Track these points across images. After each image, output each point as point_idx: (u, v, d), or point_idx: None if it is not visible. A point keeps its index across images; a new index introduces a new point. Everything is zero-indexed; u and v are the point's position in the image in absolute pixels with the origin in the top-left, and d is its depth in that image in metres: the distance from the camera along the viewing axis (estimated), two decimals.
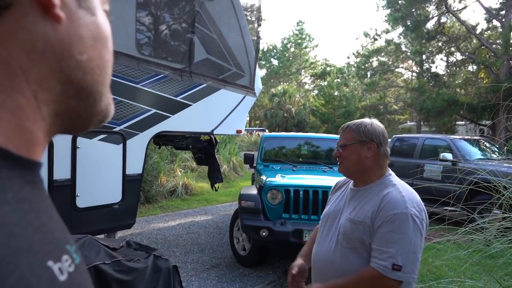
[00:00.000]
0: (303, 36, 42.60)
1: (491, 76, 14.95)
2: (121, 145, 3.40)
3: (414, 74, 23.89)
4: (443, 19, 17.24)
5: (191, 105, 4.09)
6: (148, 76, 3.61)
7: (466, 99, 14.32)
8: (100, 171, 3.31)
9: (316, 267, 1.62)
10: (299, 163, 5.41)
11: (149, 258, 2.24)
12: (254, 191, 4.45)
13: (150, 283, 2.16)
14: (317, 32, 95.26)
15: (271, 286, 4.03)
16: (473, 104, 13.49)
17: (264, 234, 3.93)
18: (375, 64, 22.47)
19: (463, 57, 17.61)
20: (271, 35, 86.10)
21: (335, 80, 26.81)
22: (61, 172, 2.98)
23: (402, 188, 1.48)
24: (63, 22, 0.34)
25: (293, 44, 42.91)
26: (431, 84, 17.91)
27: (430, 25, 17.29)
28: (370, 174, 1.54)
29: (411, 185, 1.60)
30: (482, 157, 7.09)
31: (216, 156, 5.68)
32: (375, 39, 21.79)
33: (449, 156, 6.77)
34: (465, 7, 16.37)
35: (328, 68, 34.87)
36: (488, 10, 15.26)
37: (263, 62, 42.83)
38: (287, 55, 42.76)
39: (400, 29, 19.06)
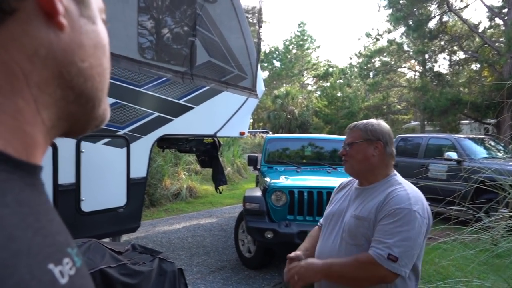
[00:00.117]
0: (305, 38, 42.62)
1: (495, 75, 14.87)
2: (125, 148, 3.40)
3: (417, 73, 23.82)
4: (445, 18, 17.18)
5: (194, 108, 4.10)
6: (150, 79, 3.62)
7: (470, 98, 14.24)
8: (104, 175, 3.32)
9: None
10: (303, 164, 5.40)
11: (155, 261, 2.24)
12: (258, 193, 4.45)
13: (156, 286, 2.16)
14: (319, 33, 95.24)
15: None
16: (477, 102, 13.41)
17: (269, 236, 3.92)
18: (377, 64, 22.42)
19: (466, 55, 17.53)
20: (273, 37, 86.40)
21: (337, 81, 26.76)
22: (66, 176, 2.99)
23: (407, 187, 1.49)
24: (65, 30, 0.35)
25: (295, 46, 42.92)
26: (434, 83, 17.83)
27: (432, 24, 17.23)
28: (375, 173, 1.56)
29: (416, 184, 1.60)
30: (487, 155, 7.04)
31: (220, 159, 5.68)
32: (377, 39, 21.76)
33: (454, 155, 6.73)
34: (467, 6, 16.29)
35: (330, 69, 34.84)
36: (490, 9, 15.19)
37: (265, 64, 42.87)
38: (289, 56, 42.76)
39: (402, 28, 19.02)
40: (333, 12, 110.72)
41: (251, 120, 29.07)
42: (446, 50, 18.62)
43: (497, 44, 15.00)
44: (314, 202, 4.02)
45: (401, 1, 17.17)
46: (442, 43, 18.01)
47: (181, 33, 4.18)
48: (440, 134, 10.59)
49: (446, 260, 3.31)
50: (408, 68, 24.34)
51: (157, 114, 3.69)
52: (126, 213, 3.44)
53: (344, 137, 1.73)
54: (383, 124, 1.60)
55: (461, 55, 18.53)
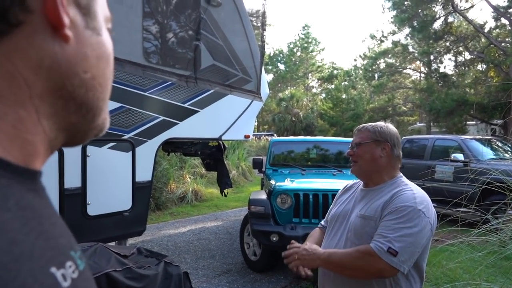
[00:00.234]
0: (309, 40, 42.64)
1: (501, 75, 14.76)
2: (130, 152, 3.42)
3: (422, 74, 23.72)
4: (450, 19, 17.11)
5: (198, 111, 4.11)
6: (155, 83, 3.64)
7: (476, 99, 14.14)
8: (110, 179, 3.33)
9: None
10: (308, 167, 5.39)
11: (160, 265, 2.25)
12: (263, 196, 4.44)
13: None
14: (323, 36, 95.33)
15: None
16: (483, 103, 13.31)
17: (274, 239, 3.91)
18: (382, 66, 22.37)
19: (472, 56, 17.42)
20: (277, 40, 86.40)
21: (342, 83, 26.73)
22: (72, 180, 3.00)
23: (414, 188, 1.50)
24: (71, 42, 0.36)
25: (300, 48, 42.95)
26: (440, 84, 17.74)
27: (437, 25, 17.18)
28: (382, 174, 1.57)
29: (422, 186, 1.60)
30: (494, 156, 6.98)
31: (225, 162, 5.68)
32: (382, 41, 21.72)
33: (460, 156, 6.67)
34: (472, 6, 16.22)
35: (335, 71, 34.83)
36: (496, 9, 15.09)
37: (270, 67, 42.93)
38: (293, 59, 42.79)
39: (406, 30, 18.98)
40: (337, 14, 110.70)
41: (256, 123, 29.08)
42: (452, 51, 18.52)
43: (503, 44, 14.89)
44: (319, 204, 4.01)
45: (405, 2, 17.13)
46: (448, 44, 17.93)
47: (185, 37, 4.20)
48: (446, 135, 10.51)
49: (454, 262, 3.28)
50: (413, 70, 24.25)
51: (162, 118, 3.71)
52: (131, 217, 3.45)
53: (349, 139, 1.73)
54: (391, 126, 1.63)
55: (466, 55, 18.43)
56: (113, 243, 3.50)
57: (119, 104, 3.28)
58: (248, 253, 4.62)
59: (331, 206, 1.82)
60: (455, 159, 6.64)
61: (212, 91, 4.25)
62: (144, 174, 3.56)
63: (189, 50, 4.12)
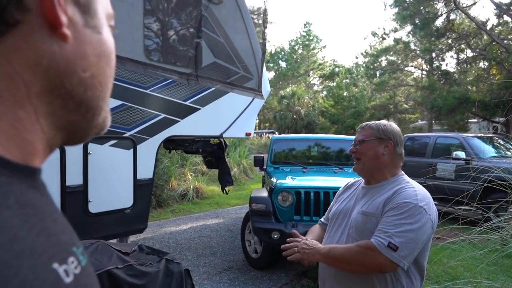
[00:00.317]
0: (311, 38, 42.52)
1: (503, 72, 14.70)
2: (132, 150, 3.42)
3: (424, 72, 23.64)
4: (452, 16, 17.03)
5: (200, 109, 4.10)
6: (157, 81, 3.63)
7: (478, 96, 14.10)
8: (111, 176, 3.34)
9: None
10: (309, 164, 5.38)
11: (161, 262, 2.25)
12: (264, 193, 4.44)
13: (163, 287, 2.17)
14: (325, 33, 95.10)
15: None
16: (485, 101, 13.26)
17: (275, 236, 3.92)
18: (384, 63, 22.31)
19: (474, 53, 17.35)
20: (279, 37, 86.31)
21: (344, 81, 26.67)
22: (74, 178, 3.01)
23: (415, 186, 1.52)
24: (69, 41, 0.35)
25: (301, 46, 42.84)
26: (441, 82, 17.68)
27: (439, 22, 17.10)
28: (384, 171, 1.58)
29: (424, 184, 1.60)
30: (496, 154, 6.97)
31: (226, 159, 5.68)
32: (384, 38, 21.65)
33: (462, 154, 6.66)
34: (474, 3, 16.14)
35: (336, 69, 34.74)
36: (498, 6, 15.01)
37: (271, 65, 42.85)
38: (295, 57, 42.70)
39: (408, 27, 18.91)
40: (338, 11, 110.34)
41: (257, 121, 29.07)
42: (454, 48, 18.45)
43: (505, 41, 14.82)
44: (320, 202, 4.01)
45: (407, 0, 17.05)
46: (450, 41, 17.86)
47: (186, 35, 4.20)
48: (448, 133, 10.50)
49: (455, 260, 3.28)
50: (415, 67, 24.18)
51: (163, 115, 3.71)
52: (133, 214, 3.46)
53: (350, 137, 1.74)
54: (394, 125, 1.64)
55: (468, 53, 18.36)
56: (114, 241, 3.51)
57: (120, 102, 3.29)
58: (249, 250, 4.63)
59: (331, 204, 1.82)
60: (457, 157, 6.63)
61: (213, 88, 4.25)
62: (146, 171, 3.57)
63: (190, 48, 4.12)
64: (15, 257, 0.28)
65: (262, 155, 6.13)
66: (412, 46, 20.55)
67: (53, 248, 0.32)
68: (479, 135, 8.06)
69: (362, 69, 27.00)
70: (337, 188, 1.92)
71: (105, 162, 3.24)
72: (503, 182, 2.68)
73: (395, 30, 20.10)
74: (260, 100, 5.04)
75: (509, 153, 7.10)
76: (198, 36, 4.09)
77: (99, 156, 3.17)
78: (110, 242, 2.38)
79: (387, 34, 20.88)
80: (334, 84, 27.86)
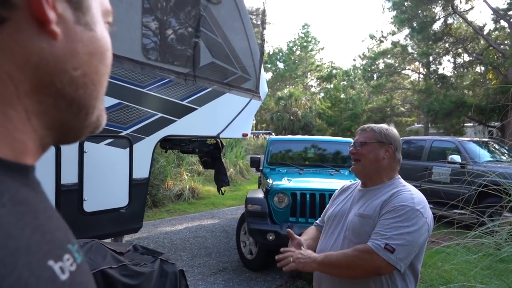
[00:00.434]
0: (309, 39, 42.61)
1: (500, 77, 14.81)
2: (128, 149, 3.41)
3: (421, 76, 23.75)
4: (449, 20, 17.15)
5: (197, 109, 4.10)
6: (154, 80, 3.62)
7: (474, 101, 14.19)
8: (107, 175, 3.32)
9: None
10: (306, 166, 5.39)
11: (156, 262, 2.24)
12: (260, 194, 4.44)
13: (157, 287, 2.16)
14: (323, 35, 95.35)
15: None
16: (481, 105, 13.34)
17: (271, 238, 3.91)
18: (381, 66, 22.39)
19: (471, 58, 17.47)
20: (277, 38, 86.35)
21: (341, 83, 26.72)
22: (69, 176, 3.00)
23: (412, 189, 1.53)
24: (58, 38, 0.34)
25: (299, 47, 42.92)
26: (438, 85, 17.78)
27: (436, 26, 17.21)
28: (382, 175, 1.59)
29: (419, 187, 1.61)
30: (491, 159, 7.00)
31: (223, 160, 5.67)
32: (381, 41, 21.75)
33: (457, 158, 6.69)
34: (472, 8, 16.26)
35: (334, 71, 34.85)
36: (495, 11, 15.12)
37: (269, 66, 42.89)
38: (292, 58, 42.76)
39: (406, 30, 19.00)
40: (337, 13, 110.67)
41: (254, 122, 29.08)
42: (451, 53, 18.56)
43: (502, 46, 14.93)
44: (316, 204, 4.01)
45: (405, 3, 17.13)
46: (447, 45, 17.97)
47: (184, 34, 4.19)
48: (444, 136, 10.54)
49: (449, 264, 3.29)
50: (412, 70, 24.28)
51: (160, 115, 3.70)
52: (128, 214, 3.44)
53: (347, 139, 1.74)
54: (395, 130, 1.66)
55: (465, 57, 18.48)
56: (109, 240, 3.50)
57: (117, 101, 3.27)
58: (244, 251, 4.62)
59: (327, 206, 1.82)
60: (452, 160, 6.66)
61: (210, 89, 4.24)
62: (141, 171, 3.55)
63: (188, 48, 4.11)
64: (10, 255, 0.28)
65: (259, 156, 6.13)
66: (410, 50, 20.66)
67: (48, 245, 0.32)
68: (475, 139, 8.10)
69: (359, 71, 27.09)
70: (333, 190, 1.92)
71: (101, 160, 3.23)
72: (498, 187, 2.69)
73: (393, 33, 20.21)
74: (257, 101, 5.04)
75: (504, 157, 7.14)
76: (196, 36, 4.09)
77: (95, 155, 3.15)
78: (104, 241, 2.37)
79: (385, 37, 20.99)
80: (332, 86, 27.93)
